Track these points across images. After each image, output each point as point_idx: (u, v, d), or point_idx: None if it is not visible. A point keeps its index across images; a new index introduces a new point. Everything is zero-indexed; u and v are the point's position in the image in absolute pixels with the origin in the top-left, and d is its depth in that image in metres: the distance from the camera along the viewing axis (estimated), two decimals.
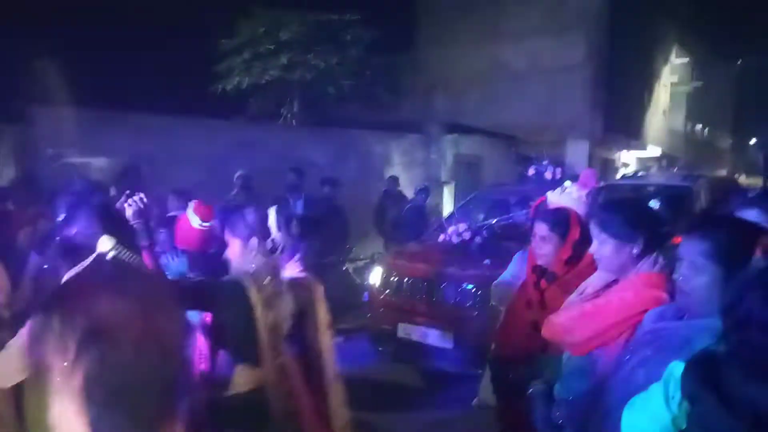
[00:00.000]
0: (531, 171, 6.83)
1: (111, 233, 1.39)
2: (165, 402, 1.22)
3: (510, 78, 15.71)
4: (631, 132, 17.76)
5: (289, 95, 12.90)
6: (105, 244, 1.38)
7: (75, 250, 1.35)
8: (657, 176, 10.89)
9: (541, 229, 2.59)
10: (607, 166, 17.50)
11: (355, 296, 6.46)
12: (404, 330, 5.20)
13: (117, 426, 1.16)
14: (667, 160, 21.00)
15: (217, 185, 7.56)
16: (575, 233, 2.53)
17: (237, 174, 7.50)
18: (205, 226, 3.15)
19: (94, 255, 1.36)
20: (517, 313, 2.60)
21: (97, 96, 9.46)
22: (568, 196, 2.72)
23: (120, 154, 7.61)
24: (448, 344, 4.92)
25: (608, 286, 2.09)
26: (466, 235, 5.48)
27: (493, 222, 6.10)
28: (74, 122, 7.70)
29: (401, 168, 11.31)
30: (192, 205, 3.20)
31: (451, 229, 5.67)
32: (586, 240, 2.45)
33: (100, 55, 11.44)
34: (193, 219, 3.15)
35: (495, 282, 3.39)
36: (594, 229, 2.12)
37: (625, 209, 2.12)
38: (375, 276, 5.74)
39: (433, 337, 4.99)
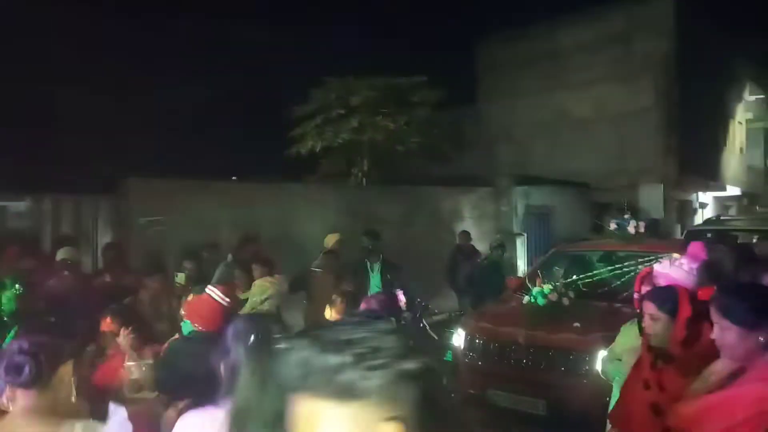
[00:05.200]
0: (612, 225, 6.64)
1: None
2: None
3: (576, 127, 15.62)
4: (707, 172, 17.12)
5: (359, 155, 13.29)
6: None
7: None
8: (746, 219, 10.28)
9: (649, 307, 2.51)
10: (683, 208, 16.85)
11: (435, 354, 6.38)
12: (494, 396, 5.12)
13: None
14: (747, 198, 20.04)
15: (291, 244, 7.85)
16: (686, 311, 2.43)
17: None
18: None
19: None
20: (635, 393, 2.51)
21: (185, 166, 10.13)
22: (678, 269, 2.67)
23: (206, 220, 8.07)
24: (541, 411, 4.80)
25: (734, 374, 2.01)
26: (553, 297, 5.39)
27: (578, 281, 6.00)
28: (164, 191, 8.23)
29: (472, 222, 11.31)
30: None
31: (535, 290, 5.59)
32: (701, 317, 2.39)
33: (184, 129, 12.28)
34: None
35: (604, 356, 3.31)
36: (715, 315, 2.07)
37: (749, 294, 2.05)
38: (458, 338, 5.70)
39: (526, 404, 4.89)
